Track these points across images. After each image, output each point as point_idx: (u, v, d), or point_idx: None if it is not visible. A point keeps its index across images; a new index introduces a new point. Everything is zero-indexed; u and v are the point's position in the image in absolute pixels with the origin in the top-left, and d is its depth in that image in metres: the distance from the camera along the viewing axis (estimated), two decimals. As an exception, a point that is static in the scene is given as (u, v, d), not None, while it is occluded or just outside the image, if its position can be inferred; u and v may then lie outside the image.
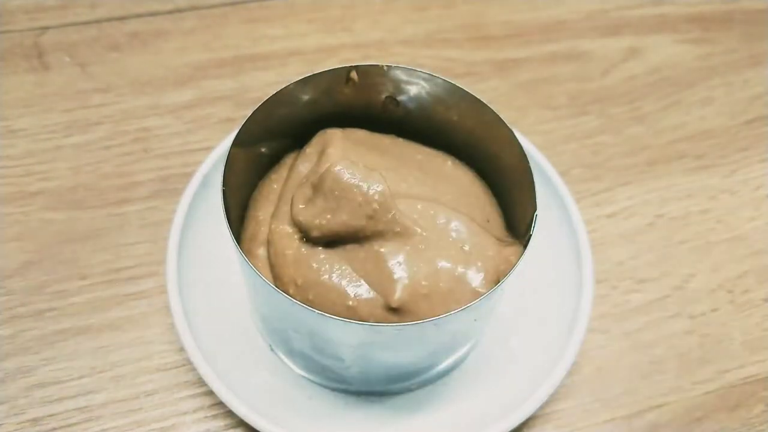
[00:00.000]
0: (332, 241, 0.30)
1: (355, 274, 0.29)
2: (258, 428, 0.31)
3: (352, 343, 0.29)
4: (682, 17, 0.58)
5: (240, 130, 0.31)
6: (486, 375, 0.35)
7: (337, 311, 0.28)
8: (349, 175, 0.29)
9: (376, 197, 0.28)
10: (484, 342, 0.37)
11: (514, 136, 0.31)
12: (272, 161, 0.36)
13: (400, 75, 0.34)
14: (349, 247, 0.29)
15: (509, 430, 0.32)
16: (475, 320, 0.31)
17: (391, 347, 0.29)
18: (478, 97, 0.32)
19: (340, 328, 0.27)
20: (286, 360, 0.35)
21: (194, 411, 0.35)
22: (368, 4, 0.57)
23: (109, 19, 0.53)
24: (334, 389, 0.35)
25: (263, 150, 0.34)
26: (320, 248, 0.30)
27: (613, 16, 0.58)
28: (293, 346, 0.33)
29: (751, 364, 0.39)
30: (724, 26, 0.58)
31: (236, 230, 0.32)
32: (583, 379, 0.38)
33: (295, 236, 0.30)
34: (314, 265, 0.29)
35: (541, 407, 0.35)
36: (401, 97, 0.35)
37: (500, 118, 0.32)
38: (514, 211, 0.34)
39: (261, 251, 0.31)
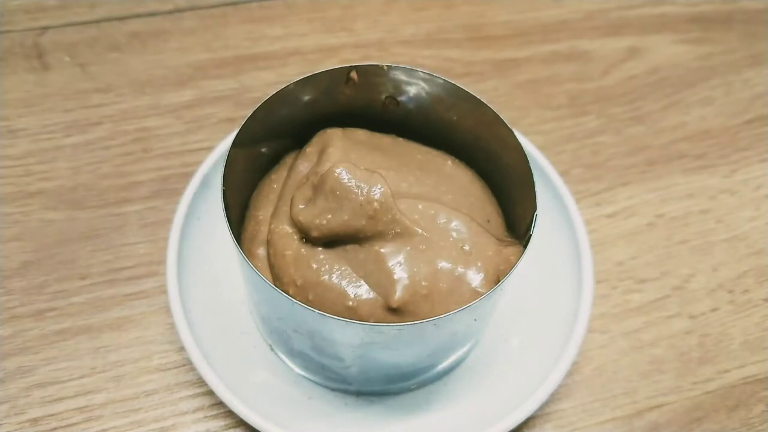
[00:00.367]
0: (332, 241, 0.30)
1: (355, 275, 0.29)
2: (258, 428, 0.31)
3: (352, 343, 0.29)
4: (682, 17, 0.58)
5: (240, 130, 0.31)
6: (486, 375, 0.35)
7: (337, 311, 0.28)
8: (350, 176, 0.29)
9: (378, 197, 0.28)
10: (484, 342, 0.37)
11: (514, 136, 0.31)
12: (272, 161, 0.36)
13: (400, 75, 0.34)
14: (349, 247, 0.29)
15: (509, 430, 0.32)
16: (475, 320, 0.31)
17: (391, 347, 0.29)
18: (478, 97, 0.32)
19: (340, 328, 0.27)
20: (286, 360, 0.35)
21: (194, 411, 0.35)
22: (368, 4, 0.57)
23: (109, 19, 0.53)
24: (334, 389, 0.35)
25: (263, 150, 0.34)
26: (320, 248, 0.30)
27: (613, 16, 0.58)
28: (293, 346, 0.33)
29: (751, 364, 0.39)
30: (724, 26, 0.58)
31: (236, 230, 0.32)
32: (583, 379, 0.38)
33: (295, 236, 0.30)
34: (314, 265, 0.29)
35: (541, 407, 0.35)
36: (401, 97, 0.35)
37: (500, 118, 0.32)
38: (514, 211, 0.34)
39: (261, 251, 0.31)
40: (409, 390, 0.35)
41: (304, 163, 0.34)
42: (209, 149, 0.43)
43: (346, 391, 0.35)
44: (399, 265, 0.29)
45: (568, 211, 0.38)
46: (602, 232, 0.44)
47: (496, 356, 0.36)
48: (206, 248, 0.37)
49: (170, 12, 0.54)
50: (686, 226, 0.45)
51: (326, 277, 0.29)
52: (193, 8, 0.54)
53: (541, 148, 0.44)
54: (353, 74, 0.34)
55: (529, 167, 0.30)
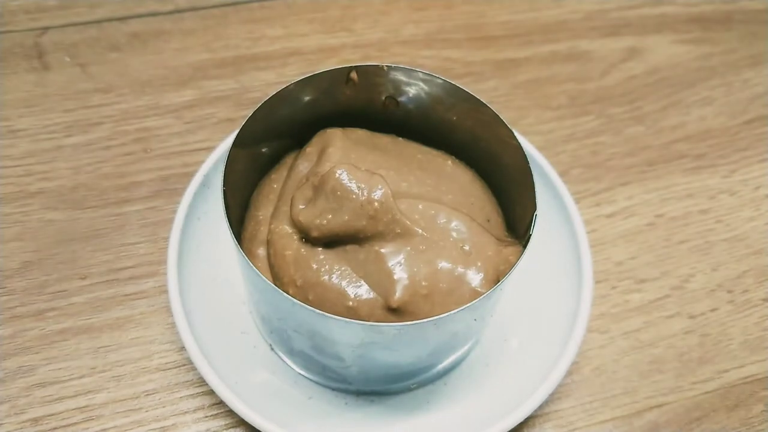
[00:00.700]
0: (332, 241, 0.30)
1: (354, 275, 0.29)
2: (258, 428, 0.31)
3: (352, 342, 0.29)
4: (682, 17, 0.58)
5: (240, 130, 0.31)
6: (486, 375, 0.35)
7: (337, 312, 0.28)
8: (351, 176, 0.29)
9: (378, 198, 0.28)
10: (484, 342, 0.37)
11: (514, 136, 0.31)
12: (272, 161, 0.36)
13: (400, 75, 0.34)
14: (349, 247, 0.30)
15: (509, 430, 0.32)
16: (475, 320, 0.31)
17: (391, 347, 0.29)
18: (478, 97, 0.32)
19: (340, 328, 0.27)
20: (286, 360, 0.35)
21: (194, 411, 0.35)
22: (368, 4, 0.57)
23: (109, 20, 0.53)
24: (334, 389, 0.35)
25: (263, 150, 0.34)
26: (320, 249, 0.30)
27: (613, 16, 0.58)
28: (293, 346, 0.33)
29: (751, 364, 0.39)
30: (723, 26, 0.58)
31: (236, 230, 0.32)
32: (583, 379, 0.38)
33: (295, 236, 0.30)
34: (314, 265, 0.29)
35: (541, 407, 0.35)
36: (401, 98, 0.35)
37: (500, 118, 0.32)
38: (514, 211, 0.34)
39: (261, 251, 0.32)
40: (409, 390, 0.35)
41: (304, 163, 0.34)
42: (209, 149, 0.43)
43: (346, 391, 0.35)
44: (399, 265, 0.29)
45: (568, 211, 0.38)
46: (602, 232, 0.44)
47: (496, 356, 0.36)
48: (206, 248, 0.37)
49: (170, 12, 0.54)
50: (686, 226, 0.45)
51: (326, 277, 0.29)
52: (193, 8, 0.54)
53: (541, 148, 0.44)
54: (353, 74, 0.34)
55: (529, 167, 0.31)
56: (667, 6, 0.59)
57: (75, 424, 0.34)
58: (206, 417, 0.35)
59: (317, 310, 0.26)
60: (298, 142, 0.35)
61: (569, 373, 0.37)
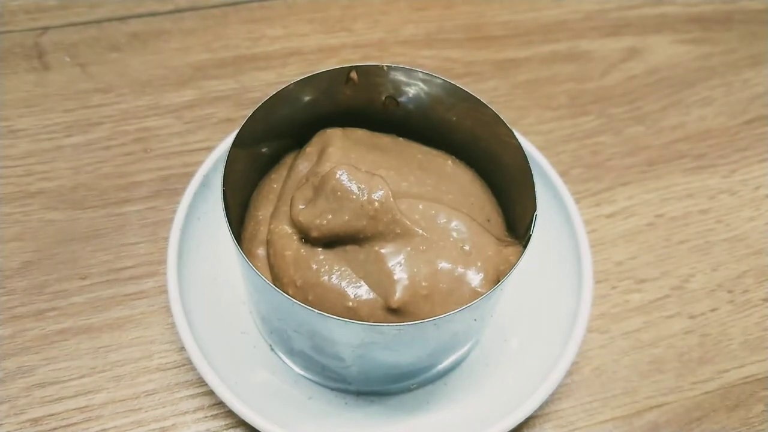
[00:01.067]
0: (332, 242, 0.30)
1: (354, 275, 0.29)
2: (258, 428, 0.31)
3: (352, 343, 0.29)
4: (682, 17, 0.58)
5: (240, 130, 0.31)
6: (486, 375, 0.35)
7: (336, 312, 0.28)
8: (351, 177, 0.29)
9: (378, 198, 0.28)
10: (484, 342, 0.37)
11: (514, 136, 0.31)
12: (272, 161, 0.36)
13: (400, 75, 0.34)
14: (349, 248, 0.29)
15: (509, 430, 0.32)
16: (475, 320, 0.31)
17: (391, 347, 0.29)
18: (478, 97, 0.32)
19: (340, 328, 0.27)
20: (286, 360, 0.35)
21: (194, 411, 0.35)
22: (368, 4, 0.57)
23: (109, 19, 0.53)
24: (334, 389, 0.35)
25: (263, 150, 0.34)
26: (319, 249, 0.30)
27: (613, 16, 0.58)
28: (293, 346, 0.33)
29: (751, 364, 0.39)
30: (723, 26, 0.58)
31: (236, 230, 0.32)
32: (583, 379, 0.38)
33: (295, 237, 0.30)
34: (314, 265, 0.29)
35: (541, 407, 0.35)
36: (401, 98, 0.35)
37: (500, 118, 0.32)
38: (514, 211, 0.34)
39: (261, 251, 0.32)
40: (409, 390, 0.35)
41: (304, 163, 0.34)
42: (209, 149, 0.43)
43: (346, 391, 0.35)
44: (399, 266, 0.29)
45: (568, 211, 0.38)
46: (602, 232, 0.44)
47: (496, 356, 0.36)
48: (206, 248, 0.37)
49: (170, 12, 0.54)
50: (686, 226, 0.45)
51: (326, 277, 0.29)
52: (193, 8, 0.54)
53: (541, 148, 0.44)
54: (353, 74, 0.34)
55: (529, 167, 0.31)
56: (667, 6, 0.59)
57: (75, 424, 0.34)
58: (206, 417, 0.35)
59: (317, 311, 0.26)
60: (298, 142, 0.35)
61: (569, 373, 0.37)
